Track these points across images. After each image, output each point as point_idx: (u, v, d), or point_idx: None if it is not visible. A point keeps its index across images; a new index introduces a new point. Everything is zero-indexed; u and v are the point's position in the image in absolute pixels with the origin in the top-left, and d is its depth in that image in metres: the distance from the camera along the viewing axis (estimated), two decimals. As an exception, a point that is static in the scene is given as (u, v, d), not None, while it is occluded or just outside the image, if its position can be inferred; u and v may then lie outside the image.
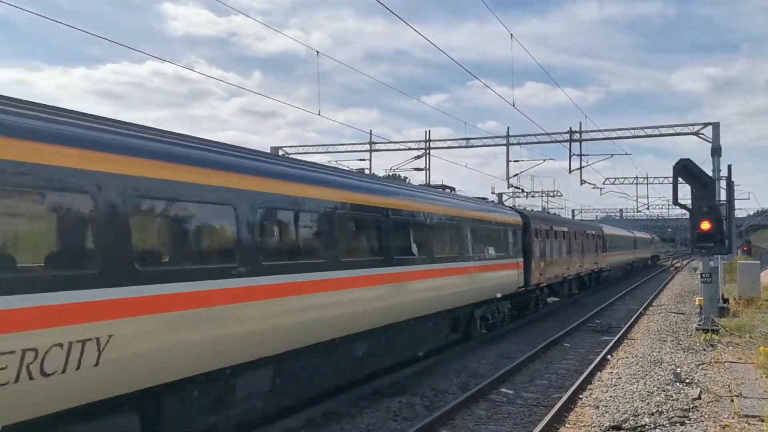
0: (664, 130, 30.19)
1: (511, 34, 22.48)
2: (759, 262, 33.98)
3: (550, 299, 28.27)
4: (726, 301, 23.51)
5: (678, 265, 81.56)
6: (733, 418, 10.25)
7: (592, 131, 32.50)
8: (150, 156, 7.36)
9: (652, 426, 9.96)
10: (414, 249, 13.62)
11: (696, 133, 27.35)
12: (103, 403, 6.58)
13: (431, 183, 27.07)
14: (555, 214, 43.64)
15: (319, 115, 26.89)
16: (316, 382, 10.49)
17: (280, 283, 9.14)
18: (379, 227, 12.26)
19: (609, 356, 16.37)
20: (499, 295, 19.43)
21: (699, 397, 11.48)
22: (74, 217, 6.55)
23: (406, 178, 42.03)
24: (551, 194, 57.93)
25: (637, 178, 54.98)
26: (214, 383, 8.16)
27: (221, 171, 8.35)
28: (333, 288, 10.43)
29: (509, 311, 21.46)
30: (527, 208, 34.82)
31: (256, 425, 9.64)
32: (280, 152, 33.34)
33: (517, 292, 21.40)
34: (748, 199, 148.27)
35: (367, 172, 29.44)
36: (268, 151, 28.63)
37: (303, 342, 9.71)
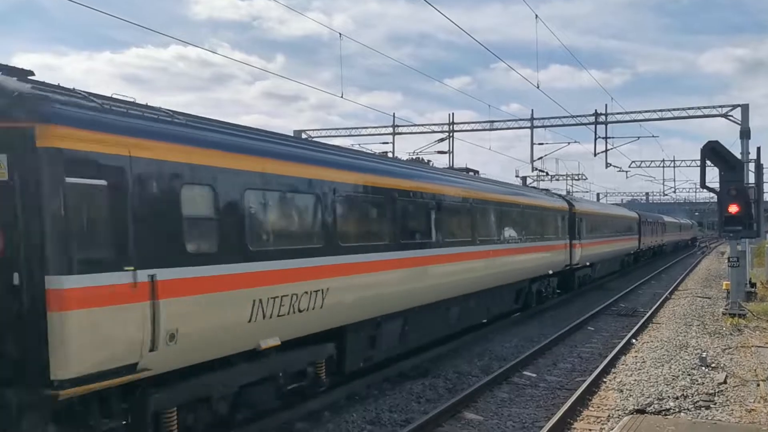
0: (691, 112, 29.67)
1: (536, 15, 22.31)
2: (788, 246, 33.41)
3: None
4: (753, 285, 23.25)
5: (703, 246, 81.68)
6: (759, 402, 10.15)
7: (618, 113, 32.08)
8: None
9: (677, 410, 9.91)
10: (615, 231, 34.43)
11: (724, 115, 26.91)
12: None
13: (455, 166, 26.99)
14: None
15: (341, 98, 26.88)
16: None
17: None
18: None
19: (633, 340, 16.28)
20: (631, 252, 42.03)
21: (725, 382, 11.39)
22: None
23: (429, 161, 41.78)
24: (576, 177, 57.26)
25: (663, 161, 54.13)
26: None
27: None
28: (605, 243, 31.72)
29: (633, 260, 44.28)
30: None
31: (282, 408, 9.74)
32: (303, 136, 33.30)
33: (635, 252, 43.57)
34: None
35: (390, 155, 29.33)
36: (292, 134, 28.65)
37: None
